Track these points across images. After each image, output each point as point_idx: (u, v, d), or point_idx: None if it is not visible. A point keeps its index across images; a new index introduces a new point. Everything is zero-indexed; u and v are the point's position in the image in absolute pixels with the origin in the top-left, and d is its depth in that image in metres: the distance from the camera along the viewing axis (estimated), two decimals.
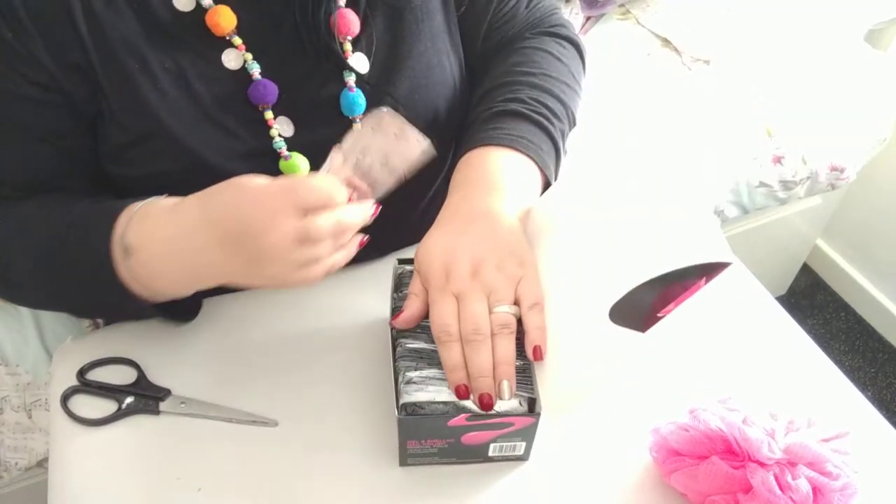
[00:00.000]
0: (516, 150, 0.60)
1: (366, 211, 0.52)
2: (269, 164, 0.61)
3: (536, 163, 0.61)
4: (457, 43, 0.68)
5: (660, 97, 1.22)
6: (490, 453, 0.55)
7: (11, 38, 0.53)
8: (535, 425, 0.52)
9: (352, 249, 0.53)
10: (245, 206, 0.48)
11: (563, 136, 0.65)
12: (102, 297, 0.56)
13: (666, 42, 1.32)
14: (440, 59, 0.66)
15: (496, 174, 0.59)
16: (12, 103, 0.56)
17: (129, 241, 0.51)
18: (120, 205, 0.54)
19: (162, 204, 0.53)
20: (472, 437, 0.53)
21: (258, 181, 0.49)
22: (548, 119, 0.63)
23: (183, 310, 0.61)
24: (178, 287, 0.54)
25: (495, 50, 0.71)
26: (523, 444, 0.54)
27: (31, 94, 0.55)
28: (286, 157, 0.61)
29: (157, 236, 0.51)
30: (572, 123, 0.67)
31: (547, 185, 0.62)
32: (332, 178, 0.51)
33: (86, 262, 0.53)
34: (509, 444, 0.54)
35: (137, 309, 0.56)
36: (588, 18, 1.35)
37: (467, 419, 0.51)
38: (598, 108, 1.19)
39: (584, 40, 1.31)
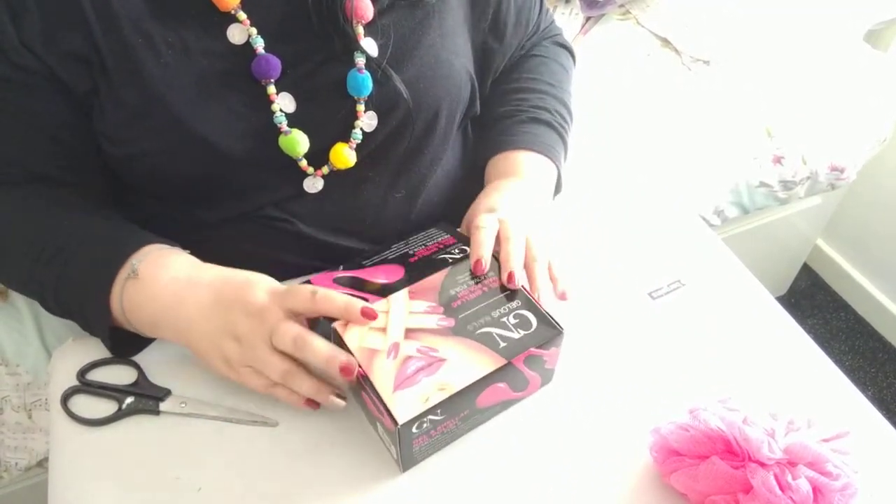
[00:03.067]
0: (545, 155, 0.73)
1: (333, 359, 0.52)
2: (269, 139, 0.61)
3: (555, 163, 0.74)
4: (468, 50, 0.71)
5: (660, 97, 1.22)
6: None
7: (8, 20, 0.53)
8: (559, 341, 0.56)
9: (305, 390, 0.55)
10: (252, 281, 0.55)
11: (568, 133, 0.80)
12: (81, 309, 0.60)
13: (666, 42, 1.32)
14: (448, 57, 0.67)
15: (527, 169, 0.72)
16: None
17: (140, 267, 0.57)
18: (149, 237, 0.60)
19: (189, 257, 0.59)
20: (490, 395, 0.55)
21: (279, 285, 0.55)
22: (563, 126, 0.77)
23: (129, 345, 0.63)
24: (148, 327, 0.59)
25: (522, 56, 0.82)
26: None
27: (12, 76, 0.56)
28: (286, 133, 0.61)
29: (164, 277, 0.57)
30: (572, 117, 0.82)
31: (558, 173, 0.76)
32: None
33: (92, 266, 0.58)
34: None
35: (100, 329, 0.59)
36: (588, 19, 1.35)
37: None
38: (598, 109, 1.19)
39: (584, 41, 1.32)
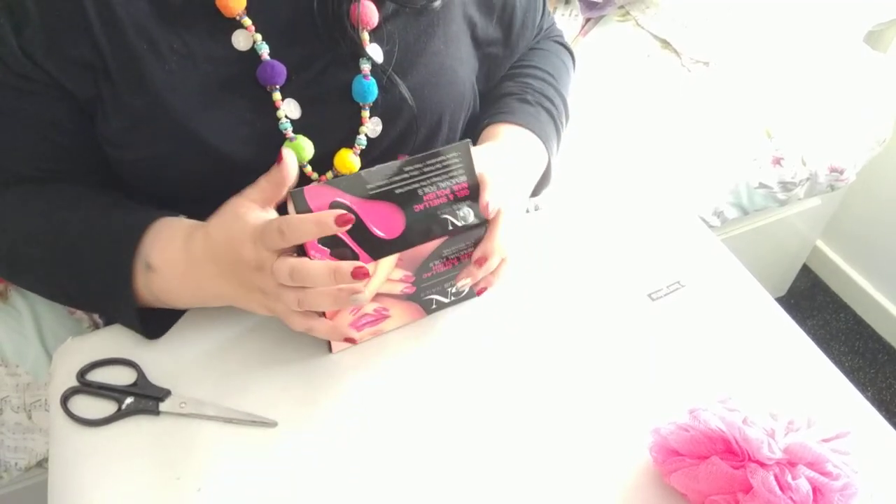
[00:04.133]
0: (532, 131, 0.73)
1: (338, 270, 0.51)
2: (274, 145, 0.61)
3: (548, 152, 0.74)
4: (472, 57, 0.71)
5: (659, 99, 1.22)
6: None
7: (9, 28, 0.53)
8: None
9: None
10: (236, 239, 0.54)
11: (564, 126, 0.81)
12: (110, 301, 0.61)
13: (665, 44, 1.32)
14: (452, 64, 0.67)
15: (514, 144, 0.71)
16: None
17: (151, 261, 0.57)
18: (143, 219, 0.59)
19: (180, 229, 0.58)
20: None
21: (251, 215, 0.54)
22: (561, 122, 0.78)
23: (160, 327, 0.64)
24: (190, 305, 0.61)
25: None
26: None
27: (11, 82, 0.56)
28: (291, 139, 0.61)
29: (176, 261, 0.57)
30: (568, 116, 0.83)
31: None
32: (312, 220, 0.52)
33: (107, 269, 0.58)
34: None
35: (131, 317, 0.60)
36: (587, 20, 1.35)
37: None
38: (597, 110, 1.19)
39: (584, 42, 1.32)
